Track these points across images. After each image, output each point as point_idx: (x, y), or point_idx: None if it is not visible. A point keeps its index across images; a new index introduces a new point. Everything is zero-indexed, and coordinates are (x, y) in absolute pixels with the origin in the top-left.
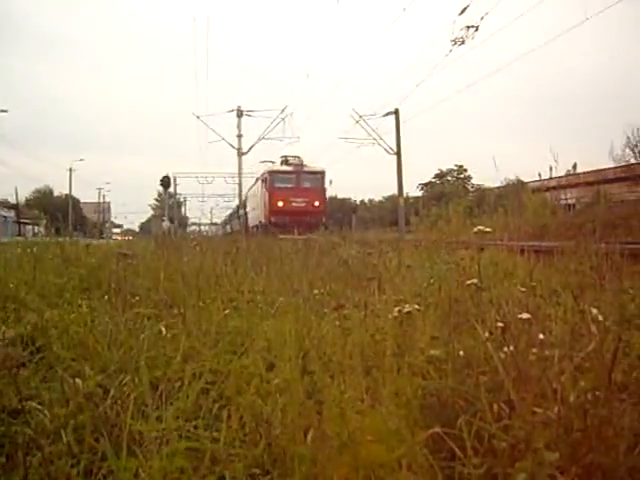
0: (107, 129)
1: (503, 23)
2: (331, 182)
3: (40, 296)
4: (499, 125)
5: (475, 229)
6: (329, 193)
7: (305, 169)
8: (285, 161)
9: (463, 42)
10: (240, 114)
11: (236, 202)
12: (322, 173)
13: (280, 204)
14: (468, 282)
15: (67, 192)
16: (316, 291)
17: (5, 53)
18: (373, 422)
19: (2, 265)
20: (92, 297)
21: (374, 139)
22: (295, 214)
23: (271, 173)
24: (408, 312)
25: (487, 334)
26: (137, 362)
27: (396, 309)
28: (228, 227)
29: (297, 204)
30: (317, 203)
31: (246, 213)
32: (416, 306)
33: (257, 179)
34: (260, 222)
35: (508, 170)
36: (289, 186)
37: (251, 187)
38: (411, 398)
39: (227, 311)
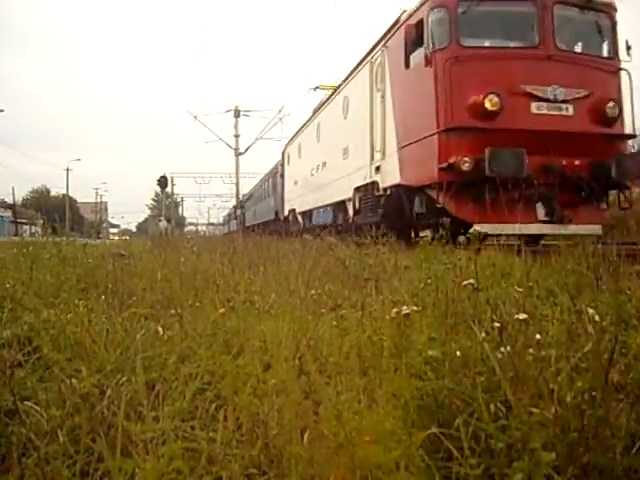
0: (104, 129)
1: None
2: (629, 49)
3: (37, 296)
4: None
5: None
6: None
7: None
8: None
9: None
10: (237, 114)
11: (234, 202)
12: (613, 11)
13: (490, 104)
14: (465, 282)
15: (64, 192)
16: (313, 292)
17: (1, 52)
18: (370, 423)
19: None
20: (89, 297)
21: None
22: (543, 146)
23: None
24: (406, 314)
25: (484, 334)
26: (133, 362)
27: (394, 310)
28: (234, 223)
29: (550, 109)
30: (612, 107)
31: (281, 197)
32: (414, 307)
33: (358, 68)
34: (372, 188)
35: None
36: (519, 46)
37: (329, 98)
38: (408, 399)
39: (223, 311)
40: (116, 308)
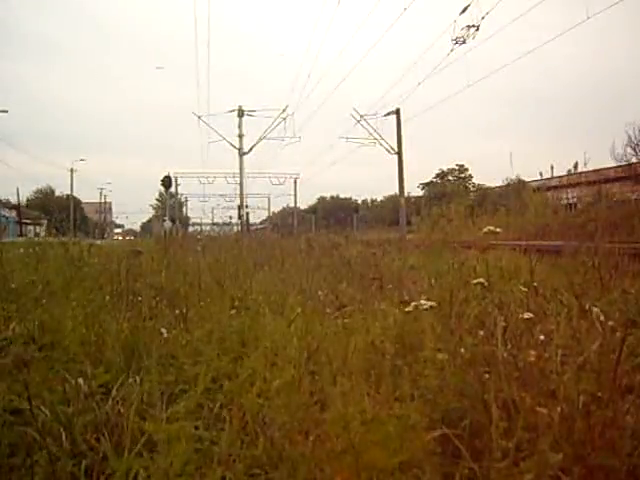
0: (108, 129)
1: (505, 21)
2: None
3: (44, 295)
4: (500, 124)
5: (485, 229)
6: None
7: None
8: None
9: (464, 41)
10: (241, 114)
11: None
12: None
13: None
14: (474, 281)
15: (68, 192)
16: (320, 292)
17: (5, 55)
18: (375, 422)
19: (6, 265)
20: (96, 297)
21: (375, 139)
22: None
23: None
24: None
25: (490, 334)
26: (141, 362)
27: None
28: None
29: None
30: None
31: None
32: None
33: None
34: None
35: (509, 169)
36: None
37: None
38: (414, 399)
39: (230, 310)
40: (123, 308)
